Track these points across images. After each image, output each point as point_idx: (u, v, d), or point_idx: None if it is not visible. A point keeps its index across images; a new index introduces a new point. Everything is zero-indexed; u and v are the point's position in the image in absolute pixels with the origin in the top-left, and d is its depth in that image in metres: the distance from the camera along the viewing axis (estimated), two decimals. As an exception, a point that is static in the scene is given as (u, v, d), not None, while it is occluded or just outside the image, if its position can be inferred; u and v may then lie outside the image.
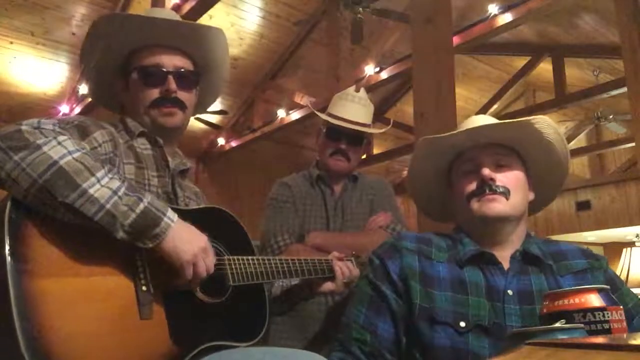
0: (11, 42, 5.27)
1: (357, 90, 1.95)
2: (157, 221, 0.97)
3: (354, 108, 1.86)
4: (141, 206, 0.96)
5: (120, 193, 0.95)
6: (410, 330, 1.13)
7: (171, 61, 1.24)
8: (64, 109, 5.73)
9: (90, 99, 5.30)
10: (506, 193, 1.16)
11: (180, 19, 1.30)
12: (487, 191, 1.16)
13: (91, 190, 0.92)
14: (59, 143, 0.94)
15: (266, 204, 1.88)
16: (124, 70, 1.26)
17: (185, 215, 1.08)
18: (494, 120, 1.23)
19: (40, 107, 5.80)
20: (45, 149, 0.91)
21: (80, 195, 0.91)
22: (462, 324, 1.08)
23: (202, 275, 1.05)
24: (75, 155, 0.94)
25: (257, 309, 1.22)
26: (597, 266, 1.18)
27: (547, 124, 1.19)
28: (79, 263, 0.93)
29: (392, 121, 2.07)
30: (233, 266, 1.17)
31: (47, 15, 5.13)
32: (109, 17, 1.24)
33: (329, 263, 1.43)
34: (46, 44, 5.39)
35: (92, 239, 0.96)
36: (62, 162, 0.91)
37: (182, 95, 1.24)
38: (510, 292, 1.10)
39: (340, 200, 1.87)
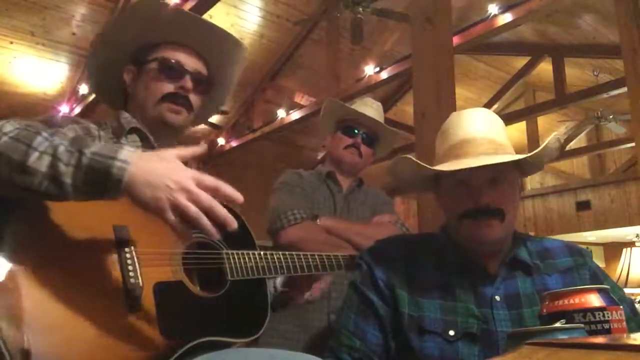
0: (11, 42, 5.27)
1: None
2: (108, 169, 0.84)
3: (370, 112, 1.96)
4: (85, 160, 0.84)
5: (59, 153, 0.84)
6: (399, 339, 1.12)
7: (192, 63, 1.26)
8: (64, 109, 5.73)
9: (90, 99, 5.30)
10: (501, 215, 1.11)
11: (215, 25, 1.31)
12: (482, 217, 1.11)
13: (29, 162, 0.83)
14: None
15: (275, 187, 1.91)
16: (138, 59, 1.27)
17: None
18: (489, 119, 1.18)
19: (40, 107, 5.80)
20: None
21: (20, 171, 0.83)
22: (451, 332, 1.07)
23: (193, 213, 0.85)
24: (12, 134, 0.86)
25: (257, 304, 1.19)
26: (581, 263, 1.17)
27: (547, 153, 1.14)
28: (66, 252, 0.91)
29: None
30: (232, 261, 1.15)
31: (47, 15, 5.13)
32: (150, 2, 1.26)
33: (337, 258, 1.39)
34: (46, 44, 5.39)
35: (81, 228, 0.94)
36: None
37: (193, 97, 1.26)
38: (497, 297, 1.10)
39: (347, 199, 1.93)
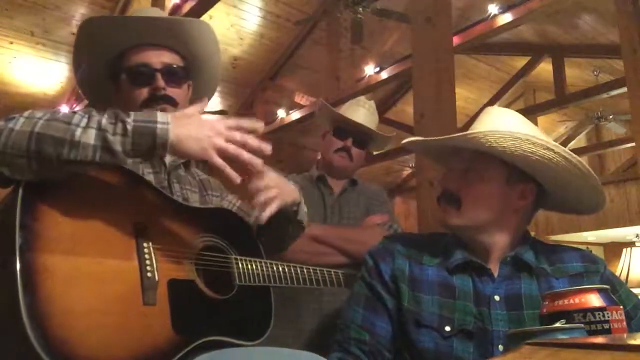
0: (11, 42, 5.27)
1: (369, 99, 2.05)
2: (152, 132, 0.94)
3: (361, 112, 1.94)
4: (129, 128, 0.94)
5: (103, 126, 0.93)
6: (400, 331, 1.14)
7: (158, 58, 1.23)
8: (63, 109, 5.74)
9: (90, 99, 5.31)
10: (457, 203, 1.14)
11: (163, 15, 1.30)
12: (441, 201, 1.18)
13: (76, 137, 0.92)
14: (26, 117, 0.95)
15: None
16: (114, 74, 1.26)
17: (195, 213, 1.13)
18: (511, 116, 1.19)
19: (40, 107, 5.80)
20: (17, 127, 0.93)
21: (70, 147, 0.91)
22: (447, 328, 1.08)
23: (235, 152, 1.00)
24: (45, 117, 0.95)
25: (262, 310, 1.22)
26: (593, 270, 1.16)
27: (496, 137, 1.06)
28: (88, 243, 0.94)
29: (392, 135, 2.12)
30: (240, 266, 1.18)
31: (47, 15, 5.13)
32: (91, 21, 1.25)
33: (337, 275, 1.43)
34: (46, 44, 5.39)
35: (105, 219, 0.98)
36: (37, 129, 0.92)
37: (172, 91, 1.24)
38: (497, 297, 1.10)
39: (338, 201, 1.91)
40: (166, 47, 1.26)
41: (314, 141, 7.49)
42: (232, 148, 1.00)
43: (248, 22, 5.80)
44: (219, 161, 0.98)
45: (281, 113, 6.32)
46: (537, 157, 1.07)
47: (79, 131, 0.92)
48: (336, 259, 1.73)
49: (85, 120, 0.94)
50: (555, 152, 1.07)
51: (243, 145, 1.02)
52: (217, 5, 4.15)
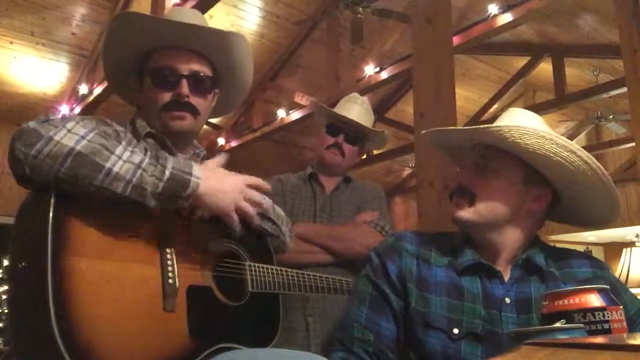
0: (11, 42, 5.27)
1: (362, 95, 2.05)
2: (185, 183, 1.00)
3: (355, 109, 1.94)
4: (167, 173, 0.98)
5: (144, 165, 0.98)
6: (407, 332, 1.12)
7: (187, 64, 1.20)
8: (64, 109, 5.73)
9: (90, 100, 5.30)
10: (471, 198, 1.13)
11: (203, 22, 1.26)
12: (454, 195, 1.16)
13: (115, 168, 0.95)
14: (69, 130, 0.95)
15: None
16: (140, 71, 1.24)
17: (214, 218, 1.13)
18: (531, 117, 1.17)
19: (40, 107, 5.80)
20: (57, 138, 0.94)
21: (105, 175, 0.94)
22: (456, 330, 1.07)
23: (251, 212, 1.12)
24: (89, 137, 0.96)
25: (271, 316, 1.24)
26: (600, 275, 1.16)
27: (520, 132, 1.05)
28: (115, 248, 0.97)
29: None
30: (253, 273, 1.19)
31: (47, 15, 5.12)
32: (128, 15, 1.22)
33: (349, 284, 1.44)
34: (46, 44, 5.38)
35: (131, 226, 1.00)
36: (78, 147, 0.93)
37: (195, 100, 1.20)
38: (507, 300, 1.09)
39: (329, 199, 1.91)
40: (197, 53, 1.23)
41: (314, 141, 7.49)
42: (248, 208, 1.11)
43: (248, 22, 5.80)
44: (234, 217, 1.09)
45: (281, 113, 6.31)
46: (558, 158, 1.06)
47: (119, 163, 0.96)
48: (321, 257, 1.72)
49: (127, 154, 0.97)
50: (577, 156, 1.06)
51: (259, 205, 1.15)
52: (217, 5, 4.15)
